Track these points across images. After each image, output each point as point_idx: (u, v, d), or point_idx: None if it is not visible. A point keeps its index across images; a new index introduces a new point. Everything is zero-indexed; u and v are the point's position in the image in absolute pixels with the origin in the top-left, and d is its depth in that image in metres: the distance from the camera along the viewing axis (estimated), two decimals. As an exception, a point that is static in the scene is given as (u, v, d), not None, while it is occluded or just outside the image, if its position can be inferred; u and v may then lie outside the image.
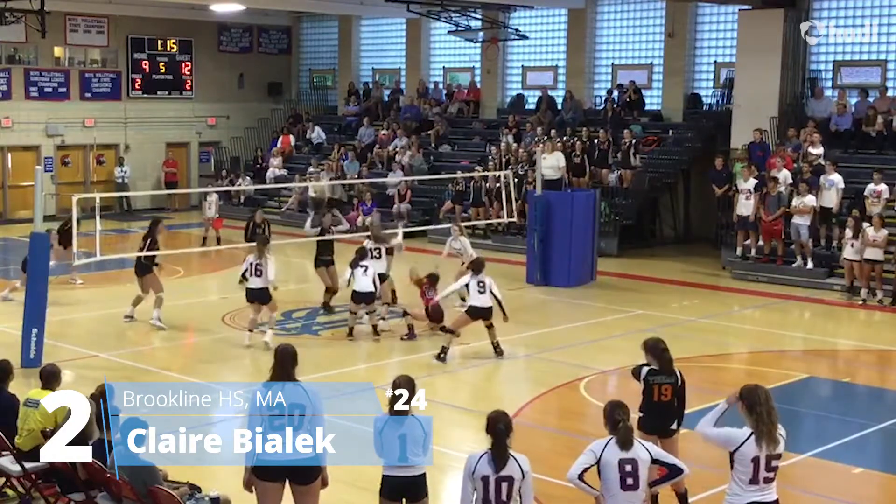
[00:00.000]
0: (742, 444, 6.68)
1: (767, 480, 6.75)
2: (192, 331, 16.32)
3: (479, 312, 13.87)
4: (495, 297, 13.81)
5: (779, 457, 6.76)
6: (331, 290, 16.84)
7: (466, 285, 14.05)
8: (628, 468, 6.65)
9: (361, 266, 14.89)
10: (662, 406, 8.47)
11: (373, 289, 14.87)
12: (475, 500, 6.68)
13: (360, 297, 14.91)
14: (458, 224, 17.94)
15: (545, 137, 24.84)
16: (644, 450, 6.77)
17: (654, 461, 6.83)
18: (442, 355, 13.91)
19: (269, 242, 15.50)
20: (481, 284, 13.78)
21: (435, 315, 15.14)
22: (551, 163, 22.64)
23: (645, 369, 8.59)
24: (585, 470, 6.83)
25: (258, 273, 14.46)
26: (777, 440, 6.71)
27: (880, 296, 18.32)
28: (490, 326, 14.10)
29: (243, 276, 14.86)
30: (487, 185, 24.24)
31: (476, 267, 14.06)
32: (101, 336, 15.37)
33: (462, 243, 17.11)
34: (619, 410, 6.89)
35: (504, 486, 6.63)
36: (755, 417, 6.70)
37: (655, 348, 8.60)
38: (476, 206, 24.63)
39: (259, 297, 14.62)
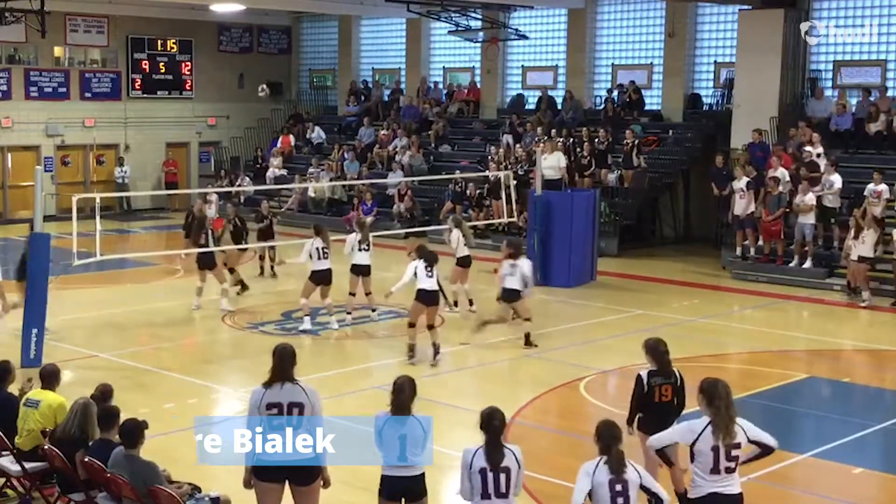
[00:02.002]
0: (700, 433, 6.83)
1: (729, 470, 6.85)
2: (192, 331, 16.32)
3: (428, 296, 13.68)
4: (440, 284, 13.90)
5: (738, 447, 6.88)
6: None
7: (415, 273, 13.69)
8: (618, 488, 6.68)
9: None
10: (663, 406, 8.48)
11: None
12: (474, 493, 6.71)
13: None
14: (455, 217, 17.98)
15: (545, 137, 24.81)
16: (634, 472, 6.79)
17: (643, 487, 6.81)
18: (411, 354, 13.82)
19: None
20: (429, 269, 13.67)
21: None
22: (551, 163, 22.56)
23: (644, 373, 8.59)
24: (588, 495, 6.83)
25: (325, 255, 15.26)
26: (734, 434, 6.84)
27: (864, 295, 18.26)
28: (431, 327, 13.82)
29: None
30: (487, 186, 24.30)
31: (423, 254, 13.87)
32: (101, 336, 15.37)
33: (449, 238, 17.10)
34: (612, 432, 6.85)
35: (503, 476, 6.68)
36: (713, 410, 6.87)
37: (655, 349, 8.62)
38: (477, 208, 24.69)
39: (325, 279, 15.36)
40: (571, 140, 25.06)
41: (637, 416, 8.60)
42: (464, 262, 16.83)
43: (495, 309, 15.24)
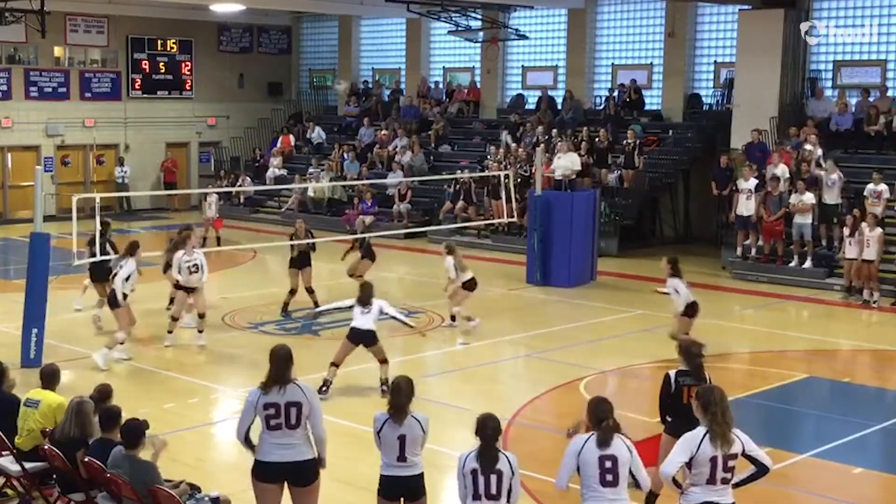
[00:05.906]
0: (700, 443, 6.65)
1: (725, 481, 6.72)
2: (191, 331, 16.29)
3: (360, 336, 12.20)
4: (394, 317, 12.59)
5: (735, 457, 6.72)
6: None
7: (351, 307, 12.37)
8: (608, 464, 6.63)
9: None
10: (692, 408, 8.35)
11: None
12: (466, 495, 6.69)
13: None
14: (448, 244, 16.37)
15: (561, 138, 24.63)
16: (625, 448, 6.72)
17: (631, 472, 6.76)
18: (324, 388, 12.00)
19: None
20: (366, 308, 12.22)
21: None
22: (565, 163, 22.41)
23: (673, 372, 8.50)
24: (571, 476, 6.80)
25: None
26: (731, 441, 6.68)
27: (874, 297, 18.22)
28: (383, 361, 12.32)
29: None
30: (487, 186, 24.28)
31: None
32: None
33: (446, 263, 15.73)
34: (603, 407, 6.82)
35: (493, 478, 6.64)
36: (710, 417, 6.71)
37: (689, 351, 8.54)
38: (475, 206, 24.70)
39: None
40: (574, 139, 25.02)
41: (666, 420, 8.49)
42: (470, 286, 15.76)
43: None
